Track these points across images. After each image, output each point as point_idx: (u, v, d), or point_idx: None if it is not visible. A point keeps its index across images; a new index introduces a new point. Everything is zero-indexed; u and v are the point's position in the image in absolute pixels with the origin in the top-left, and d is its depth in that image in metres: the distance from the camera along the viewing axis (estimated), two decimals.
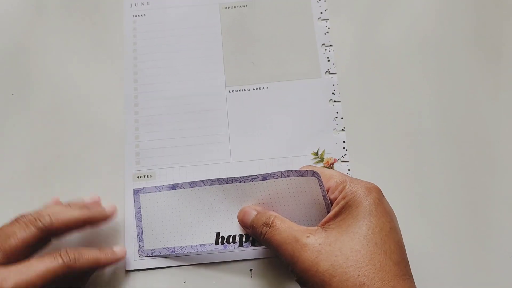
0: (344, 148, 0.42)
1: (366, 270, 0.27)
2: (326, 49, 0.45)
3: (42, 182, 0.42)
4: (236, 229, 0.38)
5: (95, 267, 0.35)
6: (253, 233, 0.35)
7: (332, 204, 0.33)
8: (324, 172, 0.34)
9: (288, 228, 0.32)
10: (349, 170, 0.41)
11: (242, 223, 0.36)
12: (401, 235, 0.31)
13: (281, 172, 0.36)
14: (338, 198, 0.32)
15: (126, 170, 0.42)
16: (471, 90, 0.44)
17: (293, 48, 0.45)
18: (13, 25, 0.47)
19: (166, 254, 0.39)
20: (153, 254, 0.39)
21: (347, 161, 0.42)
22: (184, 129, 0.43)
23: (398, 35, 0.46)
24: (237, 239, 0.38)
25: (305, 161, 0.42)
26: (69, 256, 0.32)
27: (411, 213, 0.40)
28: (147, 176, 0.41)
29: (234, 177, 0.38)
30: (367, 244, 0.28)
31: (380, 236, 0.29)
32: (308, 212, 0.36)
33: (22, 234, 0.32)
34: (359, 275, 0.27)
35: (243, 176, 0.38)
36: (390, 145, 0.42)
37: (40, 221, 0.33)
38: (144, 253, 0.39)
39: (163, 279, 0.39)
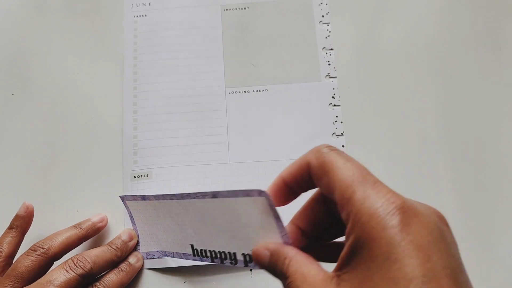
0: None
1: None
2: (327, 53, 0.45)
3: (42, 182, 0.42)
4: (206, 245, 0.34)
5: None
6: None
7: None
8: (337, 164, 0.23)
9: (308, 271, 0.23)
10: None
11: (260, 266, 0.28)
12: (448, 275, 0.20)
13: (227, 191, 0.30)
14: (347, 227, 0.21)
15: (124, 169, 0.41)
16: (473, 95, 0.44)
17: (293, 51, 0.45)
18: (13, 25, 0.47)
19: (160, 257, 0.38)
20: (148, 257, 0.38)
21: None
22: (182, 129, 0.43)
23: (400, 40, 0.45)
24: (208, 254, 0.34)
25: None
26: None
27: None
28: (144, 176, 0.41)
29: (188, 193, 0.34)
30: None
31: None
32: (261, 238, 0.29)
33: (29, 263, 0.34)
34: None
35: (195, 193, 0.33)
36: (390, 150, 0.42)
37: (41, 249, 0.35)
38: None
39: (163, 279, 0.39)
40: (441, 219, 0.22)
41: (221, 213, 0.31)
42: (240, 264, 0.30)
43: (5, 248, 0.35)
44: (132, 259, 0.38)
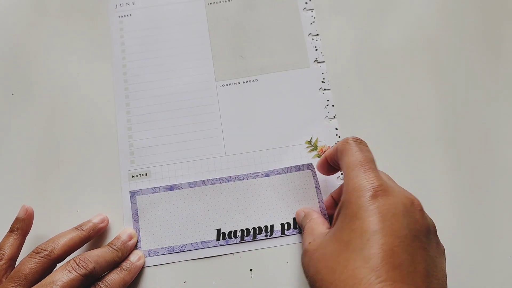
0: (337, 135, 0.42)
1: (339, 277, 0.27)
2: (313, 39, 0.46)
3: (42, 182, 0.42)
4: (237, 225, 0.39)
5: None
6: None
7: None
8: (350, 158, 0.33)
9: (307, 234, 0.35)
10: None
11: (298, 223, 0.39)
12: (397, 236, 0.28)
13: (281, 169, 0.41)
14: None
15: (122, 170, 0.42)
16: (473, 95, 0.44)
17: (280, 39, 0.46)
18: (13, 25, 0.47)
19: (164, 253, 0.39)
20: (151, 255, 0.39)
21: None
22: (176, 126, 0.43)
23: (385, 22, 0.46)
24: (239, 234, 0.39)
25: (299, 150, 0.42)
26: None
27: None
28: (142, 175, 0.42)
29: (237, 175, 0.41)
30: (346, 250, 0.28)
31: (360, 241, 0.28)
32: (302, 205, 0.40)
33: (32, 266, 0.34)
34: (332, 282, 0.28)
35: (246, 174, 0.41)
36: (382, 129, 0.42)
37: (44, 251, 0.35)
38: None
39: (163, 278, 0.39)
40: (413, 203, 0.30)
41: (269, 189, 0.40)
42: (276, 234, 0.39)
43: (7, 250, 0.36)
44: (133, 258, 0.38)
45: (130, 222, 0.40)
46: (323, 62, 0.45)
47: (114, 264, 0.37)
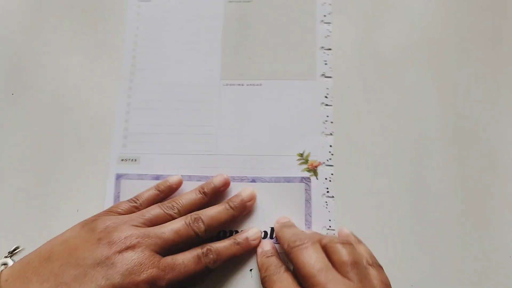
0: (330, 152, 0.42)
1: None
2: (324, 52, 0.45)
3: (41, 182, 0.42)
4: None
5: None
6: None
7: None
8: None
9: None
10: (332, 174, 0.41)
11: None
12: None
13: (269, 177, 0.41)
14: None
15: (112, 151, 0.42)
16: (473, 95, 0.43)
17: (291, 48, 0.46)
18: (13, 25, 0.47)
19: None
20: None
21: (331, 165, 0.42)
22: (174, 117, 0.43)
23: (400, 44, 0.45)
24: (215, 234, 0.39)
25: (290, 161, 0.42)
26: (211, 259, 0.34)
27: (406, 214, 0.40)
28: (132, 160, 0.42)
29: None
30: None
31: None
32: (290, 217, 0.40)
33: (183, 233, 0.34)
34: None
35: (233, 176, 0.41)
36: (379, 153, 0.42)
37: (200, 227, 0.35)
38: None
39: None
40: None
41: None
42: None
43: (144, 201, 0.37)
44: (251, 234, 0.38)
45: (111, 204, 0.40)
46: (330, 77, 0.44)
47: (225, 225, 0.37)
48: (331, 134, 0.42)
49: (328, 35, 0.46)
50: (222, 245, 0.36)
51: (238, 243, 0.37)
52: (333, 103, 0.43)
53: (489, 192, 0.41)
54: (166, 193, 0.39)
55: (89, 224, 0.33)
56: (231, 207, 0.37)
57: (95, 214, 0.36)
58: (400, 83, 0.44)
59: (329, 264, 0.31)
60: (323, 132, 0.43)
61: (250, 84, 0.44)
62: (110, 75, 0.45)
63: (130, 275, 0.30)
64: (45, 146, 0.43)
